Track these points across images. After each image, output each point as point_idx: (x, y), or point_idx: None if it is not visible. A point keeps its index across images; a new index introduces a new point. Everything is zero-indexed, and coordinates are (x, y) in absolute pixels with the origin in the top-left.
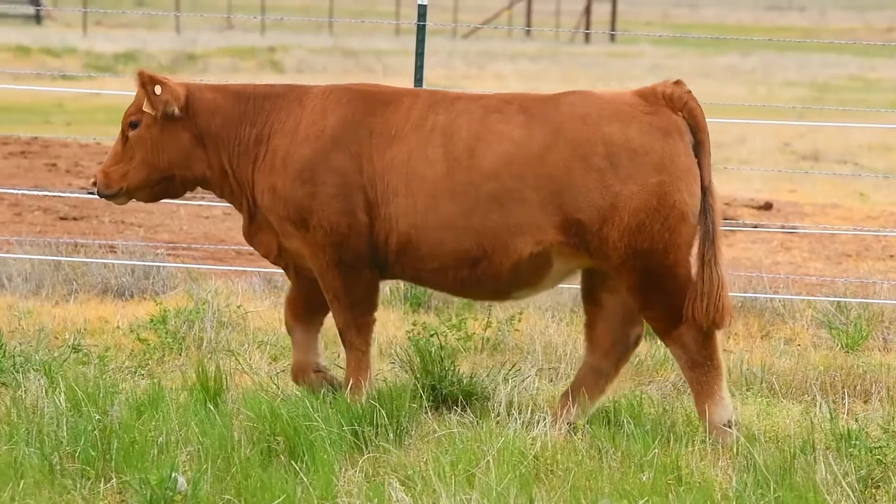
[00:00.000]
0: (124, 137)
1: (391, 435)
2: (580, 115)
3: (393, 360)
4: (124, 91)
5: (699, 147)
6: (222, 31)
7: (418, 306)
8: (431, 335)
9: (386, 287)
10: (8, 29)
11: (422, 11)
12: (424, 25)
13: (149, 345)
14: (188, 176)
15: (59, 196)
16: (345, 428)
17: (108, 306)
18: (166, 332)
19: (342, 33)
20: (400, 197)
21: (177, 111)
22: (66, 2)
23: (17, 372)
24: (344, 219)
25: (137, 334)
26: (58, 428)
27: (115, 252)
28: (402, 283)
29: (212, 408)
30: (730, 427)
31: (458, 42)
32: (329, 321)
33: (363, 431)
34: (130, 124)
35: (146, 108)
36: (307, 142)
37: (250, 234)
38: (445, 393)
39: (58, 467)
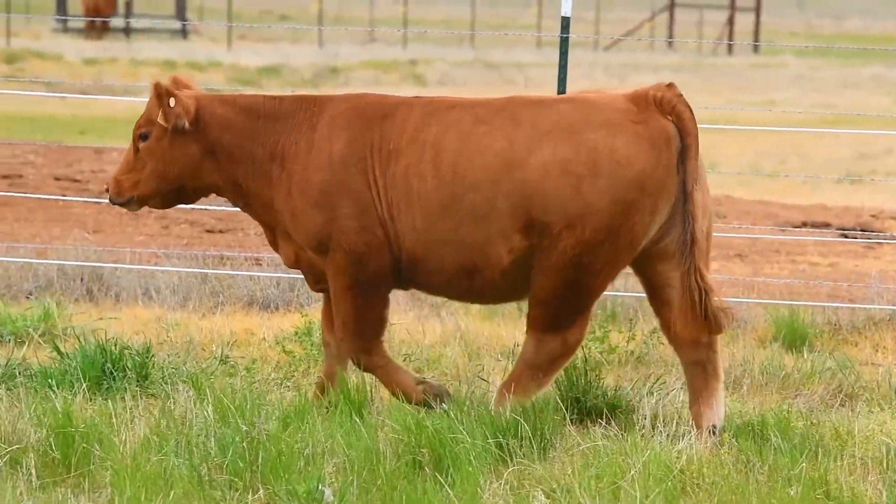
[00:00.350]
0: (135, 147)
1: (535, 447)
2: (568, 122)
3: None
4: None
5: (685, 151)
6: (365, 44)
7: None
8: None
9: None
10: (156, 43)
11: (565, 24)
12: (567, 38)
13: (294, 356)
14: (199, 186)
15: (205, 209)
16: (489, 440)
17: (253, 318)
18: (311, 344)
19: (484, 46)
20: (403, 214)
21: (187, 125)
22: (212, 16)
23: (166, 383)
24: (361, 237)
25: (283, 346)
26: (206, 439)
27: (261, 264)
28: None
29: (357, 420)
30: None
31: (600, 54)
32: None
33: (507, 444)
34: (141, 136)
35: (160, 119)
36: (320, 168)
37: (274, 243)
38: (590, 406)
39: (206, 478)
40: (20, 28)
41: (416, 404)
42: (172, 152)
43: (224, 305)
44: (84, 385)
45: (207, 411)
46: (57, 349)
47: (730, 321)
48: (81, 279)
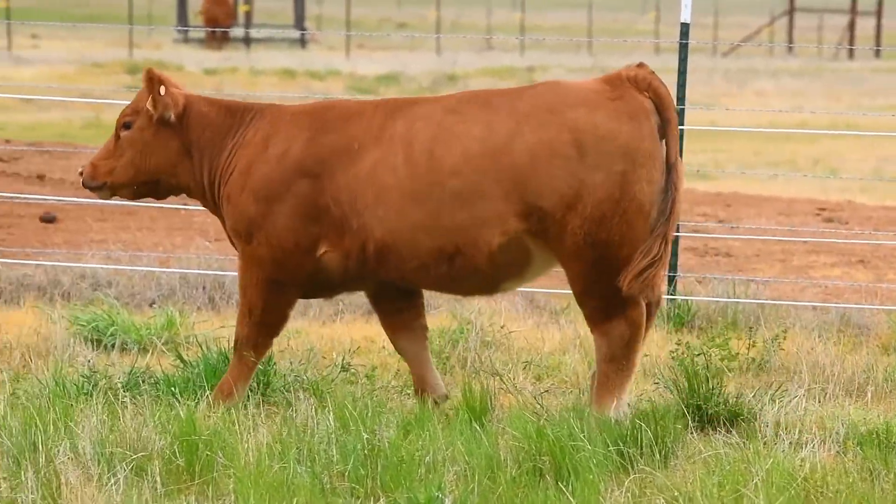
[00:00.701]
0: (117, 136)
1: (657, 455)
2: (545, 103)
3: (657, 381)
4: None
5: (666, 125)
6: (482, 51)
7: (681, 325)
8: (696, 355)
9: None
10: (275, 53)
11: (684, 30)
12: (687, 44)
13: None
14: (172, 182)
15: None
16: (610, 448)
17: (373, 326)
18: (430, 352)
19: (601, 52)
20: (371, 208)
21: (172, 117)
22: (330, 26)
23: (288, 391)
24: (291, 237)
25: None
26: (328, 447)
27: None
28: (663, 303)
29: (477, 427)
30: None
31: (719, 59)
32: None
33: (628, 452)
34: (124, 125)
35: (149, 105)
36: (268, 162)
37: (233, 242)
38: (711, 413)
39: (328, 486)
40: (142, 39)
41: (222, 406)
42: (153, 144)
43: (344, 314)
44: (207, 393)
45: (329, 419)
46: (180, 357)
47: (654, 297)
48: (203, 287)
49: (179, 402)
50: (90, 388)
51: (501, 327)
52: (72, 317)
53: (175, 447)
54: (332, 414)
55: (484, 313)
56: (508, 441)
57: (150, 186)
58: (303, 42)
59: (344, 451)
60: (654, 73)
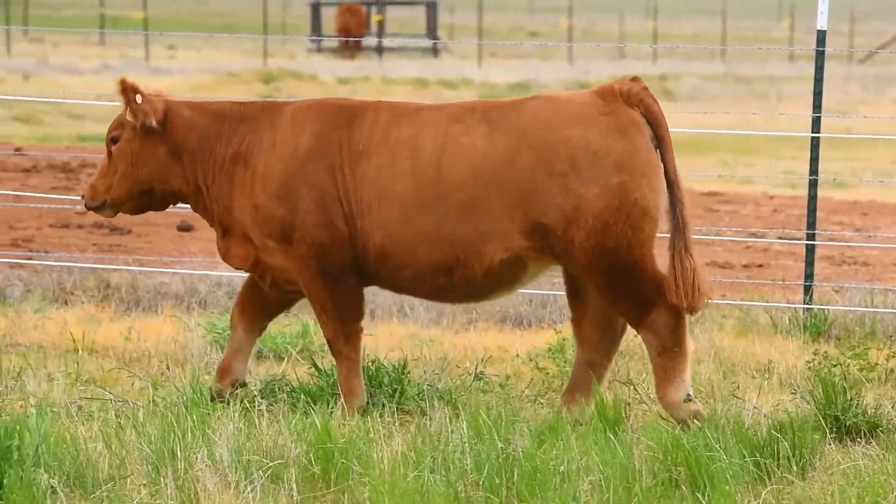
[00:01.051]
0: (109, 153)
1: (794, 466)
2: (542, 120)
3: (794, 391)
4: None
5: (660, 143)
6: (614, 59)
7: (818, 335)
8: (834, 365)
9: (785, 316)
10: (407, 62)
11: (821, 37)
12: (823, 51)
13: (548, 373)
14: (166, 189)
15: None
16: (746, 459)
17: (506, 335)
18: (564, 361)
19: (735, 60)
20: (373, 211)
21: (154, 124)
22: (462, 34)
23: (422, 400)
24: (324, 231)
25: (536, 363)
26: (462, 456)
27: None
28: (800, 312)
29: (612, 437)
30: (688, 401)
31: (854, 67)
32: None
33: (765, 463)
34: (112, 139)
35: (128, 115)
36: (282, 160)
37: (224, 247)
38: (849, 424)
39: (462, 495)
40: (276, 49)
41: (349, 410)
42: (142, 153)
43: (477, 322)
44: (342, 401)
45: (462, 428)
46: (315, 365)
47: (710, 299)
48: None
49: (314, 410)
50: (227, 395)
51: (635, 336)
52: (208, 325)
53: (311, 455)
54: (465, 423)
55: None
56: (643, 451)
57: (147, 196)
58: (435, 51)
59: (478, 459)
60: (646, 88)
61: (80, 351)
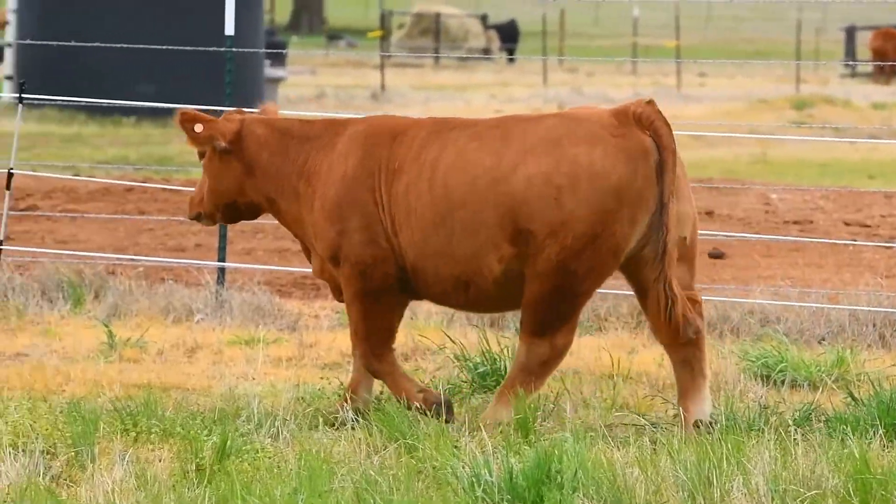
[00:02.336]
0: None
1: None
2: (554, 137)
3: None
4: None
5: (662, 165)
6: None
7: None
8: None
9: None
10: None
11: None
12: None
13: None
14: (246, 201)
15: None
16: None
17: None
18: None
19: None
20: (404, 229)
21: (224, 145)
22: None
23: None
24: (367, 249)
25: None
26: None
27: None
28: None
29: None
30: (500, 424)
31: None
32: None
33: None
34: (200, 155)
35: (187, 143)
36: (335, 184)
37: (307, 255)
38: None
39: None
40: (809, 75)
41: (417, 411)
42: (220, 169)
43: None
44: (880, 431)
45: None
46: (851, 395)
47: (692, 331)
48: (874, 324)
49: (852, 440)
50: (761, 423)
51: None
52: (741, 352)
53: (849, 486)
54: None
55: None
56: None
57: (232, 208)
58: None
59: None
60: (659, 111)
61: (615, 376)
